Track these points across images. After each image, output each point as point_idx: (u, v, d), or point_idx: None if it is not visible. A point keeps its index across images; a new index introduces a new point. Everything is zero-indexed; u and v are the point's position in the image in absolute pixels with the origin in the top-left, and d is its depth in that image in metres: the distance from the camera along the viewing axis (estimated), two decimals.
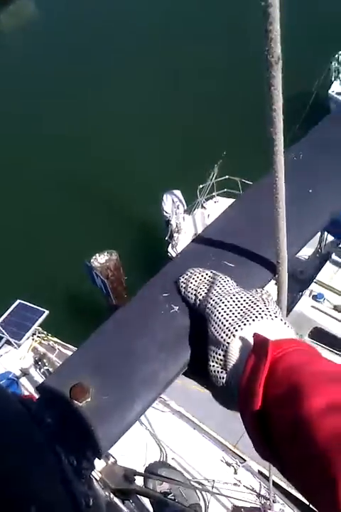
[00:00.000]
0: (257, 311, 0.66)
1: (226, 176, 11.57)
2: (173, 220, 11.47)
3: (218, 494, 5.46)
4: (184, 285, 0.79)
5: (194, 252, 0.90)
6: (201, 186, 11.67)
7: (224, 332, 0.66)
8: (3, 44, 23.76)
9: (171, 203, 11.55)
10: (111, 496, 0.73)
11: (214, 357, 0.67)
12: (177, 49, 19.20)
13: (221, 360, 0.65)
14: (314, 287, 9.07)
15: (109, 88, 18.01)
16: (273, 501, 5.62)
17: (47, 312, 9.15)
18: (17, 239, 12.77)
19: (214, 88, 16.40)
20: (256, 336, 0.61)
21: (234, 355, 0.64)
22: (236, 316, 0.67)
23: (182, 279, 0.80)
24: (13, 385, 7.96)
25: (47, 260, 11.80)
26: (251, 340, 0.62)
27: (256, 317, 0.65)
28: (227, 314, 0.67)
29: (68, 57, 19.84)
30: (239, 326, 0.65)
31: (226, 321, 0.67)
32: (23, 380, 8.28)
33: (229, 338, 0.65)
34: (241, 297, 0.70)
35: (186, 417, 6.78)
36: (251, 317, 0.66)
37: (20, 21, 24.93)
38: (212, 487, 5.70)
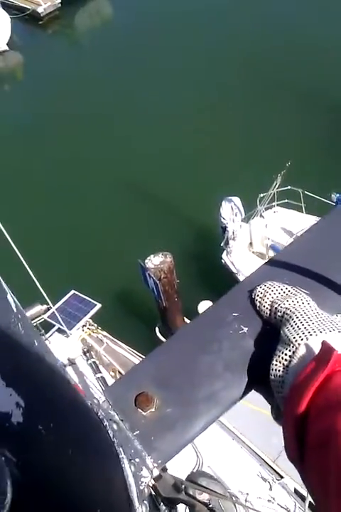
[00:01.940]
0: (335, 326, 0.67)
1: (289, 187, 11.26)
2: (230, 227, 11.34)
3: (251, 509, 5.28)
4: (261, 295, 0.78)
5: (267, 273, 0.88)
6: (261, 195, 11.45)
7: (298, 334, 0.66)
8: (77, 43, 24.74)
9: (229, 209, 11.42)
10: (161, 504, 0.76)
11: (279, 356, 0.67)
12: (246, 40, 19.04)
13: (286, 359, 0.66)
14: None
15: (171, 89, 18.19)
16: None
17: (99, 305, 9.35)
18: (78, 234, 13.19)
19: (285, 90, 16.04)
20: (324, 343, 0.61)
21: (301, 356, 0.64)
22: (314, 324, 0.67)
23: (259, 289, 0.79)
24: None
25: (104, 256, 12.09)
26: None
27: (334, 329, 0.66)
28: (306, 321, 0.68)
29: (139, 61, 20.30)
30: (315, 332, 0.66)
31: (303, 325, 0.67)
32: (69, 370, 8.51)
33: (302, 339, 0.65)
34: (322, 313, 0.70)
35: (225, 427, 6.64)
36: (328, 328, 0.66)
37: (97, 22, 25.79)
38: (245, 500, 5.55)
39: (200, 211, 12.40)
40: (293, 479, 6.16)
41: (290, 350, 0.66)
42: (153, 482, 0.70)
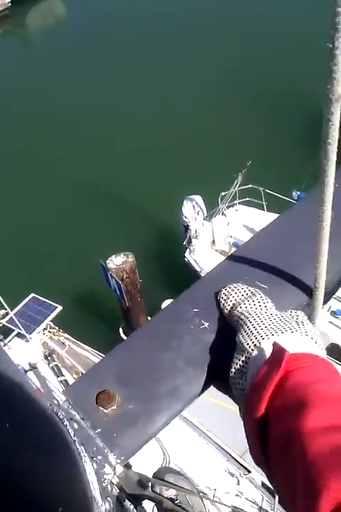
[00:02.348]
0: (288, 327, 0.67)
1: (250, 185, 11.40)
2: (192, 226, 11.36)
3: (219, 503, 5.27)
4: (225, 297, 0.79)
5: (227, 269, 0.90)
6: (223, 193, 11.52)
7: (251, 340, 0.67)
8: (29, 42, 24.26)
9: (191, 208, 11.44)
10: (126, 501, 0.70)
11: (236, 363, 0.67)
12: (205, 52, 19.28)
13: (242, 366, 0.66)
14: (333, 303, 8.85)
15: (131, 89, 18.17)
16: None
17: (60, 308, 9.14)
18: (36, 235, 12.89)
19: (244, 95, 16.31)
20: (275, 344, 0.62)
21: (255, 361, 0.64)
22: (266, 327, 0.68)
23: (223, 291, 0.80)
24: None
25: (64, 258, 11.85)
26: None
27: (286, 331, 0.66)
28: (258, 325, 0.69)
29: (94, 61, 20.10)
30: (267, 335, 0.66)
31: (255, 330, 0.68)
32: (31, 374, 8.23)
33: (255, 345, 0.66)
34: (276, 314, 0.71)
35: (192, 423, 6.60)
36: (280, 330, 0.66)
37: (49, 21, 25.41)
38: (213, 496, 5.53)
39: (162, 210, 12.38)
40: (260, 473, 6.20)
41: (245, 356, 0.66)
42: (117, 479, 0.69)
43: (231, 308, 0.77)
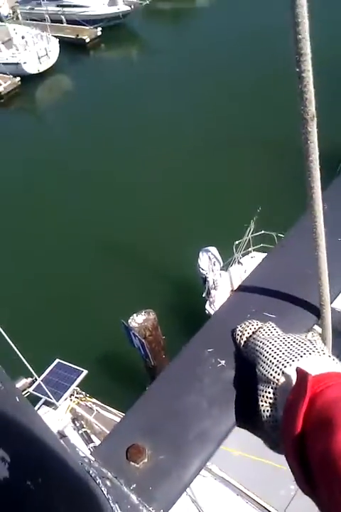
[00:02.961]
0: (304, 349, 0.68)
1: (262, 231, 11.56)
2: (210, 277, 11.44)
3: None
4: (240, 333, 0.80)
5: (234, 305, 0.91)
6: (237, 242, 11.68)
7: (273, 370, 0.67)
8: (41, 117, 25.43)
9: (207, 260, 11.57)
10: None
11: (263, 396, 0.67)
12: (212, 103, 19.94)
13: (270, 397, 0.66)
14: None
15: (139, 147, 18.77)
16: None
17: (85, 372, 9.12)
18: (57, 299, 13.03)
19: (249, 144, 16.74)
20: (298, 370, 0.62)
21: (283, 391, 0.64)
22: (284, 354, 0.68)
23: (239, 328, 0.81)
24: None
25: (87, 320, 11.91)
26: None
27: (304, 354, 0.67)
28: (276, 353, 0.69)
29: (101, 129, 20.94)
30: (288, 362, 0.66)
31: (275, 359, 0.68)
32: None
33: (278, 374, 0.66)
34: (289, 338, 0.71)
35: (229, 483, 6.41)
36: (299, 354, 0.67)
37: (56, 95, 26.74)
38: None
39: (179, 264, 12.51)
40: None
41: (271, 388, 0.66)
42: None
43: (246, 341, 0.78)
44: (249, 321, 0.81)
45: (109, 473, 0.70)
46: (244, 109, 19.00)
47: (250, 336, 0.78)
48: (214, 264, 11.60)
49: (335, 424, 0.53)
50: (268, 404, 0.66)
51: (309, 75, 0.57)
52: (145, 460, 0.71)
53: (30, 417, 0.48)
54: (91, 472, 0.67)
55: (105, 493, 0.64)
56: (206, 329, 0.90)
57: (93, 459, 0.72)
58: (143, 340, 9.40)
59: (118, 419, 8.26)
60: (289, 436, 0.59)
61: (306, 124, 0.61)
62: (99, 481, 0.66)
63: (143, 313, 9.89)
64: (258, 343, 0.74)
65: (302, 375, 0.61)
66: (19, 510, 0.38)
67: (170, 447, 0.72)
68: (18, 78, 27.92)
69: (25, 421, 0.45)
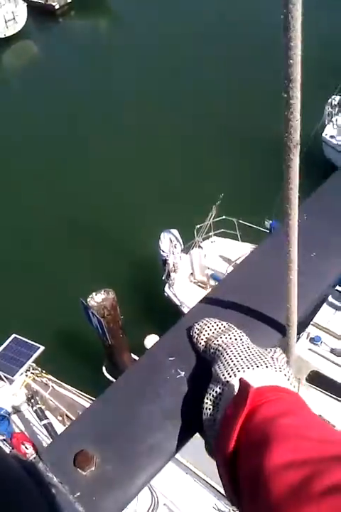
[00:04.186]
0: (263, 361, 0.67)
1: (223, 217, 11.77)
2: (170, 260, 11.57)
3: None
4: (197, 332, 0.79)
5: (200, 313, 0.87)
6: (198, 226, 11.83)
7: (227, 371, 0.66)
8: (4, 81, 24.47)
9: (168, 242, 11.68)
10: None
11: (210, 393, 0.67)
12: (178, 84, 19.83)
13: (215, 397, 0.65)
14: (311, 329, 9.08)
15: (105, 122, 18.49)
16: None
17: (42, 348, 9.09)
18: (15, 275, 12.83)
19: (215, 128, 16.83)
20: (241, 380, 0.61)
21: (227, 394, 0.64)
22: (242, 360, 0.67)
23: (196, 326, 0.79)
24: (4, 422, 7.84)
25: (45, 297, 11.81)
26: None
27: (261, 365, 0.66)
28: (235, 357, 0.68)
29: (69, 100, 20.44)
30: (243, 368, 0.66)
31: (232, 362, 0.68)
32: (15, 417, 8.17)
33: (230, 376, 0.65)
34: (253, 348, 0.71)
35: (179, 461, 6.62)
36: (255, 364, 0.66)
37: (23, 62, 25.79)
38: None
39: (140, 245, 12.57)
40: None
41: (219, 388, 0.65)
42: None
43: (206, 342, 0.76)
44: (208, 320, 0.80)
45: (54, 479, 0.67)
46: (214, 86, 19.00)
47: (211, 337, 0.76)
48: (175, 247, 11.73)
49: (269, 442, 0.52)
50: (211, 403, 0.66)
51: (297, 102, 0.55)
52: (93, 468, 0.69)
53: None
54: (35, 477, 0.66)
55: (50, 500, 0.64)
56: (169, 335, 0.86)
57: (38, 461, 0.70)
58: (101, 320, 9.42)
59: (73, 396, 8.34)
60: (223, 448, 0.58)
61: (289, 152, 0.59)
62: (43, 488, 0.65)
63: (102, 292, 9.90)
64: (222, 345, 0.73)
65: (244, 385, 0.59)
66: None
67: (119, 458, 0.70)
68: None
69: None
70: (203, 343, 0.77)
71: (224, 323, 0.78)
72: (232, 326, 0.78)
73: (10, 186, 16.32)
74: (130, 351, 9.69)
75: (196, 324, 0.79)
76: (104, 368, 9.59)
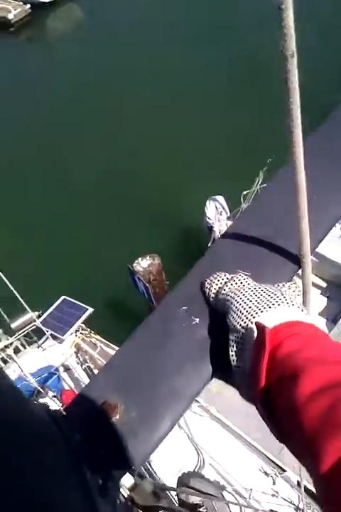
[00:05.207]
0: (274, 300, 0.68)
1: None
2: (216, 227, 11.46)
3: (248, 507, 5.35)
4: (208, 286, 0.81)
5: (210, 261, 0.90)
6: (245, 192, 11.60)
7: (242, 320, 0.68)
8: (52, 46, 24.55)
9: (214, 209, 11.56)
10: None
11: (232, 346, 0.68)
12: (233, 35, 19.24)
13: (237, 347, 0.67)
14: None
15: (151, 91, 18.26)
16: None
17: (91, 310, 9.33)
18: (65, 239, 13.11)
19: (263, 92, 16.28)
20: (257, 324, 0.63)
21: (249, 341, 0.65)
22: (254, 304, 0.68)
23: (207, 281, 0.82)
24: (54, 379, 8.18)
25: (94, 261, 12.03)
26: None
27: (273, 304, 0.67)
28: (246, 303, 0.69)
29: (113, 62, 20.28)
30: (257, 313, 0.67)
31: (244, 309, 0.69)
32: (64, 375, 8.49)
33: (246, 324, 0.67)
34: (259, 288, 0.72)
35: (225, 425, 6.70)
36: (267, 305, 0.67)
37: (69, 25, 25.69)
38: (249, 496, 5.61)
39: (186, 212, 12.51)
40: (297, 473, 6.27)
41: (238, 337, 0.67)
42: (128, 492, 0.71)
43: (216, 294, 0.78)
44: (217, 274, 0.81)
45: (81, 429, 0.69)
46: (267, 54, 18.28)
47: (220, 288, 0.78)
48: (221, 214, 11.59)
49: (295, 376, 0.54)
50: (235, 355, 0.67)
51: (289, 10, 0.54)
52: (117, 417, 0.71)
53: None
54: (61, 427, 0.67)
55: (75, 449, 0.65)
56: (182, 286, 0.89)
57: (65, 413, 0.72)
58: (148, 285, 9.56)
59: None
60: (255, 391, 0.60)
61: (286, 61, 0.58)
62: (69, 437, 0.66)
63: (148, 258, 10.01)
64: (229, 294, 0.74)
65: (260, 329, 0.61)
66: None
67: (143, 404, 0.72)
68: (28, 5, 26.68)
69: None
70: (213, 296, 0.79)
71: (231, 273, 0.80)
72: (238, 271, 0.79)
73: (59, 151, 16.54)
74: None
75: (206, 280, 0.82)
76: None
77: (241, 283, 0.75)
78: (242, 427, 6.64)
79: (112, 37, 22.31)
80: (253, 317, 0.66)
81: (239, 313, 0.69)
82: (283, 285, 0.74)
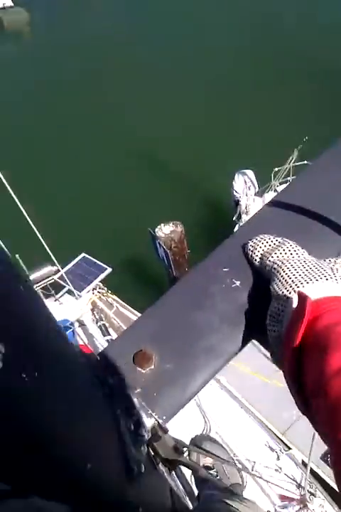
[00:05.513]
0: (322, 273, 0.66)
1: (305, 162, 11.09)
2: (243, 201, 11.26)
3: (258, 477, 5.34)
4: (251, 249, 0.79)
5: (257, 225, 0.87)
6: (276, 169, 11.32)
7: (286, 288, 0.67)
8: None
9: (243, 183, 11.32)
10: (160, 464, 0.72)
11: (272, 311, 0.68)
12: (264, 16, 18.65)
13: (278, 314, 0.66)
14: None
15: (185, 55, 17.94)
16: (313, 495, 5.41)
17: (109, 269, 9.35)
18: (91, 200, 13.17)
19: (302, 65, 15.76)
20: (299, 293, 0.62)
21: (289, 309, 0.64)
22: (300, 275, 0.67)
23: (250, 243, 0.79)
24: (69, 333, 8.24)
25: (116, 223, 12.06)
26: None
27: (321, 278, 0.66)
28: (292, 273, 0.68)
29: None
30: (302, 283, 0.66)
31: (290, 278, 0.68)
32: (79, 331, 8.56)
33: (289, 292, 0.66)
34: (309, 261, 0.70)
35: (234, 396, 6.67)
36: (314, 277, 0.66)
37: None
38: (252, 468, 5.61)
39: (214, 183, 12.32)
40: (301, 451, 6.23)
41: (280, 305, 0.67)
42: (152, 442, 0.68)
43: (261, 258, 0.76)
44: (262, 237, 0.79)
45: (114, 374, 0.69)
46: (302, 30, 17.66)
47: (265, 252, 0.76)
48: (249, 189, 11.35)
49: (328, 348, 0.54)
50: (274, 320, 0.67)
51: None
52: (152, 367, 0.71)
53: (34, 307, 0.44)
54: (96, 371, 0.66)
55: (108, 392, 0.64)
56: (224, 247, 0.87)
57: (99, 357, 0.72)
58: (168, 251, 9.48)
59: (135, 319, 8.59)
60: (287, 357, 0.60)
61: None
62: (103, 379, 0.65)
63: (170, 224, 9.90)
64: (277, 262, 0.73)
65: (302, 298, 0.61)
66: (10, 403, 0.34)
67: (178, 358, 0.72)
68: None
69: (27, 311, 0.42)
70: (258, 260, 0.77)
71: (279, 239, 0.77)
72: (287, 240, 0.76)
73: (87, 119, 16.49)
74: None
75: (250, 242, 0.79)
76: None
77: (291, 253, 0.74)
78: (251, 400, 6.61)
79: None
80: (298, 287, 0.66)
81: (284, 282, 0.68)
82: (335, 261, 0.71)
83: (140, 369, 0.71)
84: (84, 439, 0.49)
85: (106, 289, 9.06)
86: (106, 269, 9.36)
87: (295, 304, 0.63)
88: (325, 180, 0.93)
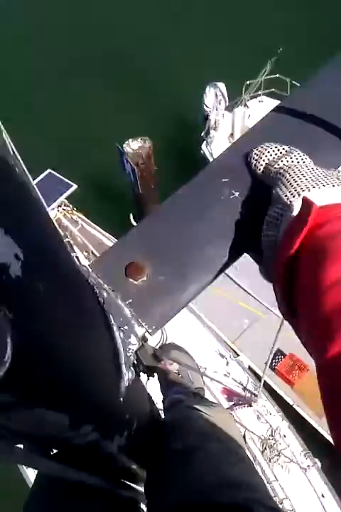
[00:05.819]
0: (330, 181, 0.63)
1: (277, 75, 10.78)
2: (212, 116, 11.02)
3: (215, 381, 5.80)
4: (256, 157, 0.75)
5: (258, 134, 0.83)
6: (248, 82, 10.98)
7: (290, 191, 0.64)
8: None
9: (213, 96, 11.01)
10: (141, 372, 0.79)
11: (270, 215, 0.65)
12: None
13: (276, 218, 0.64)
14: None
15: None
16: (256, 396, 5.96)
17: (75, 186, 9.24)
18: (56, 115, 12.69)
19: None
20: (304, 198, 0.60)
21: (289, 212, 0.62)
22: (306, 180, 0.64)
23: (255, 151, 0.76)
24: None
25: (82, 139, 11.76)
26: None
27: (327, 184, 0.62)
28: (299, 178, 0.65)
29: None
30: (307, 187, 0.63)
31: (295, 182, 0.65)
32: None
33: (293, 196, 0.63)
34: (317, 169, 0.67)
35: (190, 308, 7.00)
36: (321, 183, 0.63)
37: None
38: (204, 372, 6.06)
39: (183, 98, 11.95)
40: (248, 357, 6.73)
41: (280, 209, 0.64)
42: (137, 350, 0.70)
43: (266, 166, 0.73)
44: (268, 145, 0.75)
45: (106, 285, 0.69)
46: None
47: (272, 161, 0.73)
48: (220, 103, 11.07)
49: (328, 257, 0.52)
50: (271, 224, 0.65)
51: None
52: (144, 278, 0.71)
53: (39, 207, 0.44)
54: (89, 281, 0.67)
55: (102, 302, 0.66)
56: (221, 158, 0.83)
57: (91, 269, 0.71)
58: (135, 167, 9.38)
59: (100, 236, 8.69)
60: (280, 262, 0.58)
61: None
62: (96, 290, 0.66)
63: (139, 140, 9.69)
64: (283, 168, 0.69)
65: (307, 203, 0.58)
66: (26, 311, 0.36)
67: (171, 269, 0.72)
68: None
69: (35, 212, 0.42)
70: (262, 169, 0.74)
71: (286, 147, 0.74)
72: (294, 148, 0.73)
73: (56, 28, 15.42)
74: (159, 203, 9.74)
75: (254, 150, 0.76)
76: (131, 216, 9.81)
77: (298, 161, 0.70)
78: (206, 312, 6.97)
79: None
80: (303, 190, 0.63)
81: (289, 185, 0.65)
82: (339, 171, 0.69)
83: (132, 280, 0.71)
84: (85, 349, 0.50)
85: (71, 206, 9.05)
86: (72, 185, 9.25)
87: (297, 208, 0.61)
88: (333, 88, 0.89)
